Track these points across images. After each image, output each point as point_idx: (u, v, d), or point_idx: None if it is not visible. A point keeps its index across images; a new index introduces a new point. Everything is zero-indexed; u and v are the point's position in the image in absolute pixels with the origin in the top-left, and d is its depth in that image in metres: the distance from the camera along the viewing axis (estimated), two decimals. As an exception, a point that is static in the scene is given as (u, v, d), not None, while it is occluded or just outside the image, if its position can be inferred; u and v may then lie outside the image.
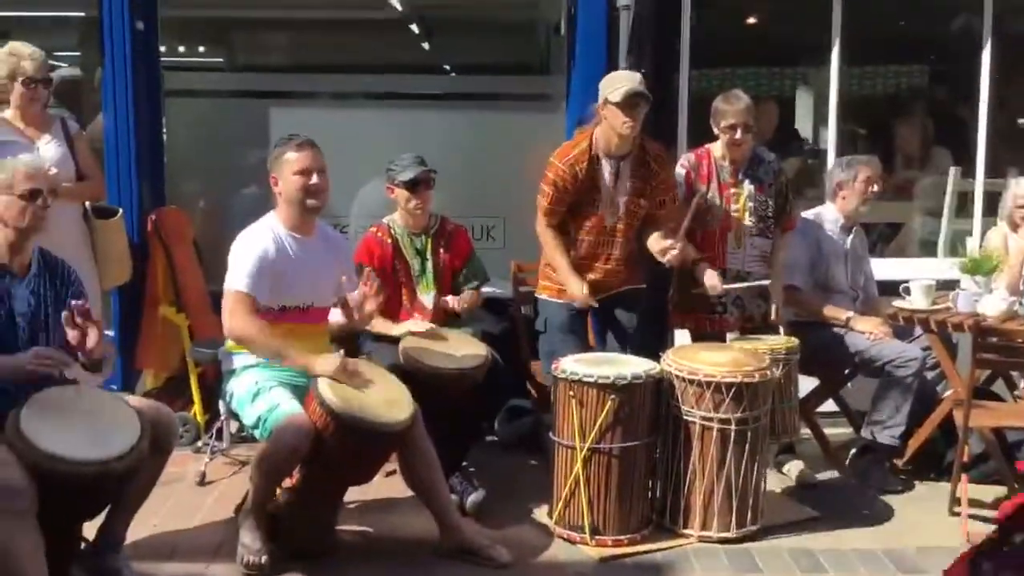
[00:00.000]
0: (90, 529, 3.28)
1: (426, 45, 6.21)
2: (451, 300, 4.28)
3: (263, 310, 3.53)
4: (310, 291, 3.63)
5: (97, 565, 3.23)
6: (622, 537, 3.69)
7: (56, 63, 5.29)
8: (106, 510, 3.23)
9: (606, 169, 4.10)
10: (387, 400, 3.44)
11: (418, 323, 4.11)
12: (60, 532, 3.05)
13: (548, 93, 5.39)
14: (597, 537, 3.67)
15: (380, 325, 4.04)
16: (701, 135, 4.54)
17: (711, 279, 4.20)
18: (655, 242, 4.09)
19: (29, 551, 2.79)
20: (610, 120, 3.97)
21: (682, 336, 4.56)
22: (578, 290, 4.05)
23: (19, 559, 2.77)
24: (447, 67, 6.16)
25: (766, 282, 4.28)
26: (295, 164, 3.54)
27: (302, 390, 3.45)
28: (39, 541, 2.83)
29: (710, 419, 3.65)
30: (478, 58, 5.83)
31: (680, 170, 4.34)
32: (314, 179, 3.55)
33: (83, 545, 3.29)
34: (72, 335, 3.07)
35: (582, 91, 4.83)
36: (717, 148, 4.37)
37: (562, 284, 4.17)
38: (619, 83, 3.96)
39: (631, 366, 3.73)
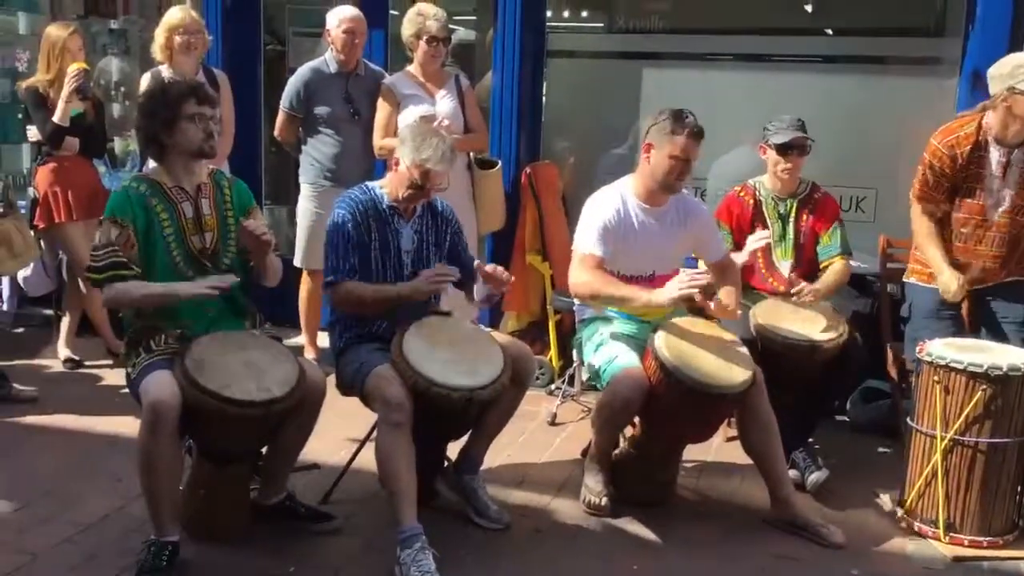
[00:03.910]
0: (453, 450, 3.60)
1: (808, 7, 5.96)
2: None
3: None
4: (653, 260, 3.65)
5: (457, 482, 3.55)
6: (981, 539, 3.42)
7: (454, 26, 5.74)
8: (468, 434, 3.53)
9: (994, 157, 3.75)
10: (724, 361, 3.41)
11: (762, 235, 4.00)
12: (429, 448, 3.40)
13: (940, 57, 4.98)
14: (952, 535, 3.43)
15: None
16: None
17: None
18: None
19: (404, 459, 3.13)
20: (1017, 110, 3.62)
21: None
22: (951, 285, 3.77)
23: (397, 464, 3.12)
24: (827, 28, 5.87)
25: None
26: (677, 149, 3.51)
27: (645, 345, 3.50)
28: (412, 452, 3.15)
29: (1100, 425, 3.26)
30: (863, 19, 5.49)
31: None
32: (688, 167, 3.56)
33: (447, 464, 3.63)
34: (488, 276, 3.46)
35: (980, 56, 4.41)
36: None
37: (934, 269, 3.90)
38: None
39: (1008, 356, 3.41)
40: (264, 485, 3.39)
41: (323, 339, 4.71)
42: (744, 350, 3.53)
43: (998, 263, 3.87)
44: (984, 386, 3.33)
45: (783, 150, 4.05)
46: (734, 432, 3.85)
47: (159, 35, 4.86)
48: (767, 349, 3.75)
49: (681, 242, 3.74)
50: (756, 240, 4.00)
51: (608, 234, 3.58)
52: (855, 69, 5.18)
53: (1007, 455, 3.40)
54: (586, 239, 3.61)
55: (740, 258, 3.97)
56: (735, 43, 5.46)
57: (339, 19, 4.87)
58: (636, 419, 3.60)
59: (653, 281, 3.68)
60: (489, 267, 3.53)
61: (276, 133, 5.14)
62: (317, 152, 4.98)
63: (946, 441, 3.40)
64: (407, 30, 4.79)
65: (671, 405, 3.39)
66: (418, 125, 3.80)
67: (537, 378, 4.67)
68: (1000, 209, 3.80)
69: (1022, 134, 3.71)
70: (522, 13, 5.14)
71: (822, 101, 5.02)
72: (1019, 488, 3.50)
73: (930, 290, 3.94)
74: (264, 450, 3.33)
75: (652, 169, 3.58)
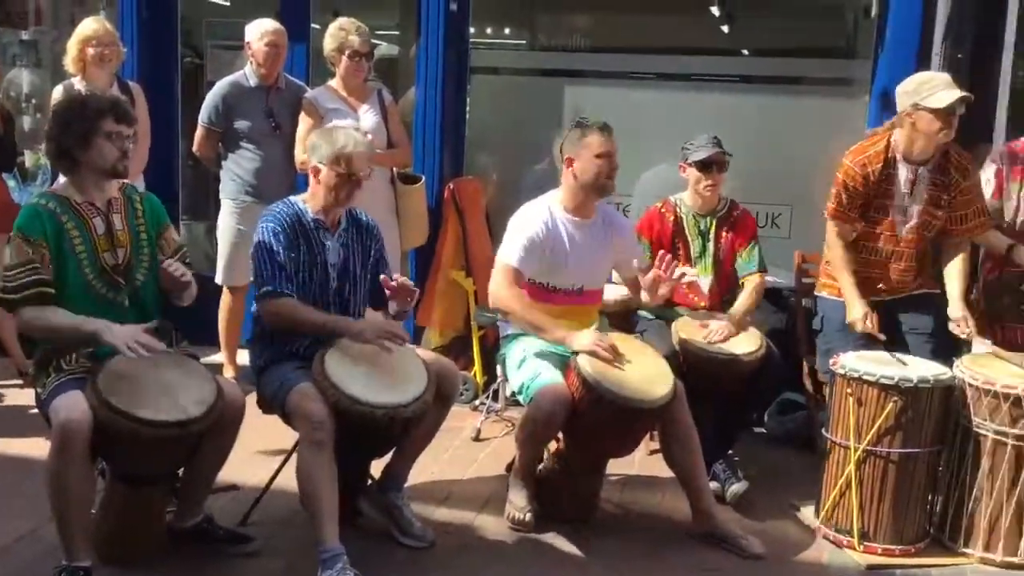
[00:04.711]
0: (377, 468, 3.56)
1: (726, 28, 6.11)
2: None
3: (533, 286, 3.64)
4: (582, 274, 3.69)
5: (381, 501, 3.51)
6: (893, 547, 3.51)
7: (377, 41, 5.72)
8: (392, 452, 3.48)
9: (902, 174, 3.88)
10: (646, 376, 3.45)
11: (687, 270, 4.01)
12: (352, 467, 3.35)
13: (851, 78, 5.14)
14: (866, 543, 3.51)
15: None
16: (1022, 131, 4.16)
17: None
18: (953, 306, 3.84)
19: (326, 478, 3.08)
20: (920, 126, 3.75)
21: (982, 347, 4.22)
22: (859, 316, 3.86)
23: (317, 484, 3.07)
24: (744, 49, 6.02)
25: None
26: (598, 147, 3.57)
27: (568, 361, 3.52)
28: (334, 471, 3.11)
29: (1004, 434, 3.38)
30: (779, 40, 5.65)
31: (991, 165, 4.01)
32: (614, 162, 3.61)
33: (370, 482, 3.59)
34: (394, 290, 3.38)
35: (888, 77, 4.57)
36: (1038, 140, 4.01)
37: None
38: (936, 87, 3.71)
39: (918, 368, 3.52)
40: (181, 507, 3.30)
41: (243, 356, 4.62)
42: (665, 364, 3.58)
43: (908, 277, 3.99)
44: (895, 398, 3.42)
45: (703, 167, 4.12)
46: (656, 445, 3.89)
47: (72, 47, 4.73)
48: (688, 363, 3.80)
49: (608, 254, 3.78)
50: (680, 276, 4.01)
51: (535, 248, 3.60)
52: (771, 89, 5.33)
53: (918, 465, 3.50)
54: (510, 251, 3.61)
55: (661, 290, 3.99)
56: (655, 62, 5.57)
57: (260, 32, 4.80)
58: (560, 434, 3.61)
59: (582, 296, 3.71)
60: (394, 281, 3.41)
61: (195, 148, 5.04)
62: (238, 167, 4.90)
63: (859, 452, 3.49)
64: (329, 44, 4.75)
65: (594, 420, 3.40)
66: (323, 128, 3.79)
67: (461, 394, 4.65)
68: (908, 225, 3.92)
69: (927, 151, 3.83)
70: (445, 29, 5.15)
71: (739, 119, 5.14)
72: (930, 497, 3.61)
73: (841, 303, 4.04)
74: (181, 471, 3.25)
75: (581, 178, 3.61)
